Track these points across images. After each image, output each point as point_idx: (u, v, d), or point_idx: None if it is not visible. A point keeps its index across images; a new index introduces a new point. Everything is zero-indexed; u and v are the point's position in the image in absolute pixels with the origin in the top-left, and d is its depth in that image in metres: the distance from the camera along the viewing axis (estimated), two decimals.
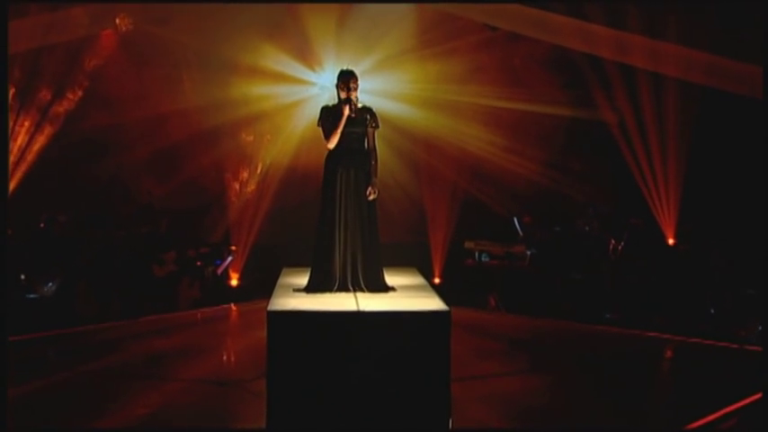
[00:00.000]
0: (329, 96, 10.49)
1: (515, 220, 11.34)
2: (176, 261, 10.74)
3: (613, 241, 10.66)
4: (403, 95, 11.30)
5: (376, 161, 6.85)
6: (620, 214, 10.90)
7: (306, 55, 11.26)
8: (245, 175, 11.46)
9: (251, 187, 11.43)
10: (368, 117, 6.89)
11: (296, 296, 6.61)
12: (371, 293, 6.62)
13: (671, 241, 10.83)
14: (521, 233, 11.29)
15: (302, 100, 11.47)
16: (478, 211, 11.51)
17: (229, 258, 11.16)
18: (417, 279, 7.42)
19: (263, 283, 10.55)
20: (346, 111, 6.72)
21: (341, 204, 6.76)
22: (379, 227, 6.80)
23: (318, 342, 5.88)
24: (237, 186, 11.44)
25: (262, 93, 11.28)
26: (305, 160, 11.09)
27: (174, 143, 11.14)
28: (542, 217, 11.33)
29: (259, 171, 11.45)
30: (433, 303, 6.28)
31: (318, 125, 6.90)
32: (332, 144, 6.77)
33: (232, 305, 10.39)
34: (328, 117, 6.85)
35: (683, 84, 10.49)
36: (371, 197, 6.80)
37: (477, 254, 11.12)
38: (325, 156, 6.89)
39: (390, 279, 6.91)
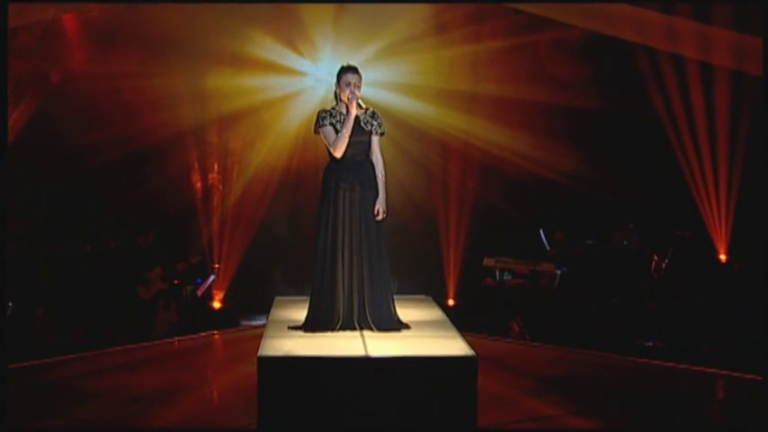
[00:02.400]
0: (325, 90, 10.54)
1: (541, 232, 11.20)
2: (163, 278, 10.64)
3: (656, 258, 10.50)
4: (411, 88, 11.17)
5: (383, 174, 6.62)
6: (665, 226, 10.76)
7: (299, 41, 11.15)
8: (231, 178, 11.38)
9: (237, 193, 11.32)
10: (373, 123, 6.64)
11: (292, 336, 6.37)
12: (381, 332, 6.39)
13: (723, 258, 10.66)
14: (548, 247, 11.12)
15: (295, 93, 11.36)
16: (499, 222, 11.39)
17: (211, 277, 10.99)
18: (434, 312, 7.21)
19: (249, 304, 10.90)
20: (354, 109, 6.47)
21: (344, 227, 6.53)
22: (388, 252, 6.59)
23: (319, 393, 5.65)
24: (221, 193, 11.41)
25: (249, 85, 11.16)
26: (299, 161, 11.16)
27: (149, 144, 11.02)
28: (573, 228, 11.20)
29: (247, 174, 11.34)
30: (455, 346, 6.02)
31: (316, 131, 6.66)
32: (340, 152, 6.51)
33: (215, 332, 10.09)
34: (329, 121, 6.59)
35: (736, 74, 10.32)
36: (380, 217, 6.47)
37: (497, 272, 10.99)
38: (324, 167, 6.67)
39: (401, 312, 6.66)
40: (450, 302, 10.97)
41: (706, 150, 10.74)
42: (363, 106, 6.58)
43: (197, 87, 10.95)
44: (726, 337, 9.42)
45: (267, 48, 11.00)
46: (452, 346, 6.04)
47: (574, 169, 11.16)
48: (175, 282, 10.82)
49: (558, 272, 10.68)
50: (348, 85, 6.56)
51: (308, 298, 6.66)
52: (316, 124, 6.65)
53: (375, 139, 6.63)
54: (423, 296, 7.95)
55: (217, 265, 11.12)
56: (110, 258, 10.72)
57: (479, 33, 11.10)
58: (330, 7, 10.85)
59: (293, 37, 11.10)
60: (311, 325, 6.50)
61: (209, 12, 10.62)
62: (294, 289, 11.10)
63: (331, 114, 6.64)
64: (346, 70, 6.62)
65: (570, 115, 11.01)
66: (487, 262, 11.04)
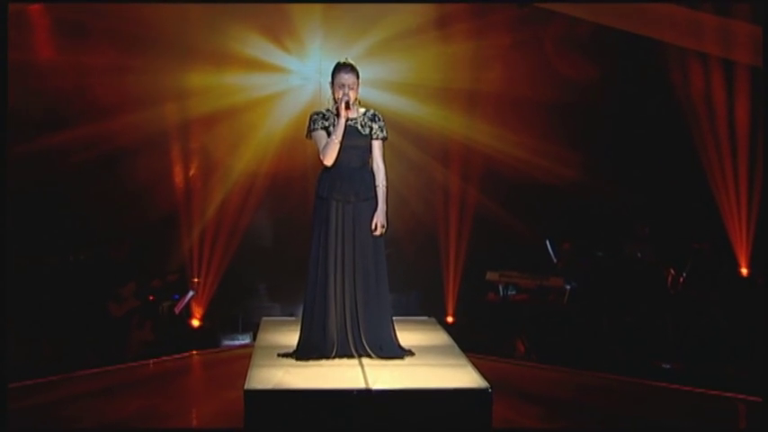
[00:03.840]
0: (313, 89, 10.76)
1: (548, 243, 11.05)
2: (137, 294, 10.51)
3: (673, 271, 10.37)
4: (406, 87, 11.05)
5: (384, 184, 6.40)
6: (681, 236, 10.67)
7: (285, 37, 11.03)
8: (211, 185, 11.19)
9: (218, 201, 11.13)
10: (372, 127, 6.40)
11: (282, 364, 6.17)
12: (382, 360, 6.18)
13: (744, 271, 10.55)
14: (555, 259, 11.01)
15: (280, 92, 11.22)
16: (503, 232, 11.25)
17: (190, 293, 10.77)
18: (439, 335, 7.05)
19: (231, 322, 10.78)
20: (344, 112, 6.24)
21: (337, 243, 6.31)
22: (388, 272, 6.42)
23: (313, 431, 5.47)
24: (201, 201, 11.18)
25: (230, 84, 11.02)
26: (285, 166, 11.08)
27: (122, 146, 10.81)
28: (582, 239, 11.10)
29: (229, 180, 11.17)
30: (466, 376, 5.86)
31: (308, 136, 6.45)
32: (329, 159, 6.28)
33: (194, 352, 9.85)
34: (321, 125, 6.38)
35: (756, 71, 10.22)
36: (378, 232, 6.21)
37: (501, 287, 10.83)
38: (318, 176, 6.46)
39: (402, 336, 6.47)
40: (450, 320, 10.85)
41: (727, 153, 10.70)
42: (352, 107, 6.34)
43: (175, 85, 10.81)
44: (750, 358, 9.21)
45: (251, 44, 10.91)
46: (463, 376, 5.86)
47: (583, 175, 11.09)
48: (151, 298, 10.66)
49: (568, 287, 10.55)
50: (342, 86, 6.34)
51: (300, 320, 6.46)
52: (307, 128, 6.44)
53: (375, 145, 6.41)
54: (425, 318, 7.84)
55: (196, 280, 10.95)
56: (78, 272, 10.56)
57: (481, 28, 11.01)
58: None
59: (278, 32, 10.99)
60: (303, 352, 6.28)
61: (188, 4, 10.52)
62: (280, 305, 11.22)
63: (324, 117, 6.43)
64: (340, 68, 6.40)
65: (579, 117, 10.95)
66: (491, 276, 10.86)
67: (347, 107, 6.22)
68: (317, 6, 10.77)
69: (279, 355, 6.31)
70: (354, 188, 6.30)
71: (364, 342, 6.23)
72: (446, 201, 11.38)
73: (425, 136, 11.08)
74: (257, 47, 10.90)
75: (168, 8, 10.45)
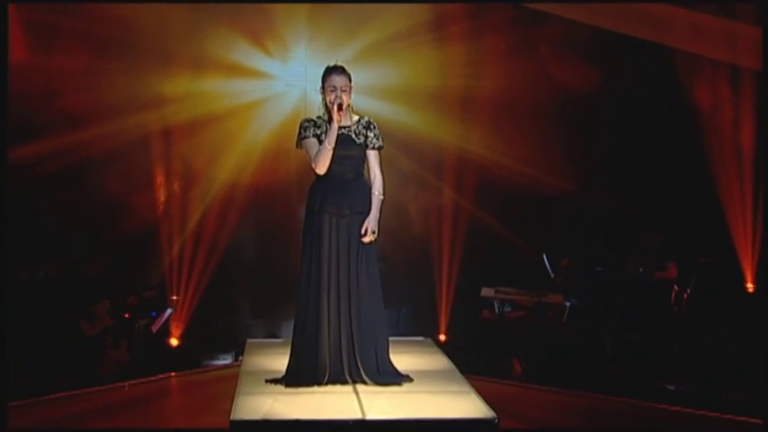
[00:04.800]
0: (298, 95, 10.73)
1: (545, 258, 10.85)
2: (112, 312, 10.33)
3: (677, 288, 10.23)
4: (398, 92, 10.93)
5: (381, 193, 6.28)
6: (686, 250, 10.56)
7: (268, 39, 10.90)
8: (191, 197, 11.03)
9: (198, 214, 10.98)
10: (367, 134, 6.29)
11: (270, 391, 6.06)
12: (378, 387, 6.05)
13: (750, 287, 10.47)
14: (552, 275, 10.84)
15: (263, 99, 11.03)
16: (499, 247, 11.15)
17: (168, 310, 10.56)
18: (437, 359, 6.95)
19: (212, 341, 10.58)
20: (336, 116, 6.11)
21: (330, 260, 6.18)
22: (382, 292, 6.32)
23: None
24: (180, 214, 11.01)
25: (210, 90, 10.82)
26: (268, 177, 10.90)
27: (94, 156, 10.64)
28: (580, 253, 10.96)
29: (209, 192, 11.02)
30: (470, 405, 5.80)
31: (298, 145, 6.34)
32: (322, 168, 6.15)
33: (172, 374, 9.71)
34: (313, 132, 6.28)
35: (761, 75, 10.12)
36: (367, 239, 6.10)
37: (497, 304, 10.68)
38: (308, 188, 6.35)
39: (398, 359, 6.35)
40: (442, 338, 10.66)
41: (731, 158, 10.67)
42: (345, 113, 6.22)
43: (151, 92, 10.63)
44: (760, 380, 8.94)
45: (232, 47, 10.75)
46: (466, 404, 5.77)
47: (582, 186, 11.04)
48: (126, 316, 10.46)
49: (567, 304, 10.42)
50: (333, 89, 6.20)
51: (289, 343, 6.33)
52: (298, 136, 6.30)
53: (371, 155, 6.29)
54: (421, 338, 7.75)
55: (174, 297, 10.77)
56: (49, 289, 10.33)
57: (475, 31, 10.92)
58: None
59: (261, 35, 10.83)
60: (294, 378, 6.12)
61: (166, 5, 10.40)
62: (263, 322, 11.07)
63: (315, 124, 6.31)
64: (331, 71, 6.30)
65: (577, 125, 10.91)
66: (486, 292, 10.72)
67: (339, 109, 6.00)
68: (303, 7, 10.66)
69: (267, 381, 6.15)
70: (348, 200, 6.14)
71: (360, 367, 6.07)
72: (439, 213, 11.31)
73: (416, 144, 10.98)
74: (238, 51, 10.79)
75: (144, 9, 10.32)
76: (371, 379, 6.01)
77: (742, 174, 10.55)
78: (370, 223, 6.14)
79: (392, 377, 6.09)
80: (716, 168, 10.60)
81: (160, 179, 11.03)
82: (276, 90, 10.96)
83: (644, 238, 10.62)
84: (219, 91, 10.87)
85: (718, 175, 10.59)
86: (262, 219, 11.04)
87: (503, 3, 10.69)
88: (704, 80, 10.51)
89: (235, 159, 10.98)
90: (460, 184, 11.20)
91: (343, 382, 5.99)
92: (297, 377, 6.05)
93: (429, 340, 7.46)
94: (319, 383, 5.97)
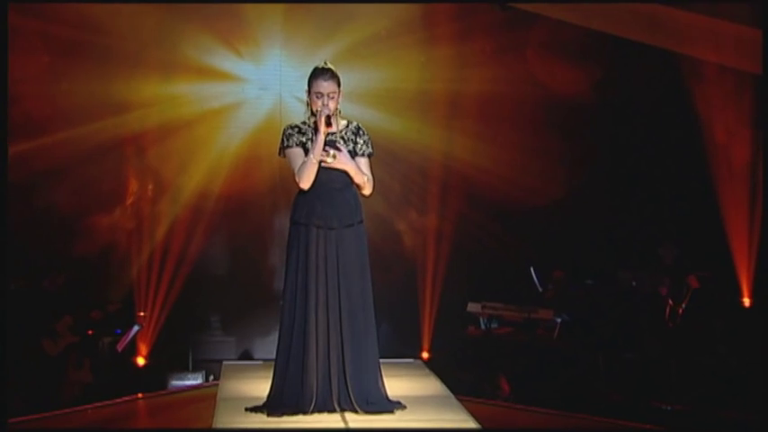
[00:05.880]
0: (273, 100, 10.67)
1: (533, 271, 10.84)
2: (74, 329, 10.20)
3: (671, 302, 10.11)
4: (378, 97, 10.87)
5: (368, 180, 5.95)
6: (681, 263, 10.49)
7: (240, 40, 10.88)
8: (158, 207, 10.93)
9: (165, 225, 10.87)
10: (356, 141, 5.96)
11: (251, 420, 5.71)
12: (369, 415, 5.72)
13: (746, 301, 10.35)
14: (540, 288, 10.83)
15: (235, 104, 11.02)
16: (485, 259, 11.10)
17: (135, 328, 10.42)
18: (430, 383, 6.71)
19: (181, 360, 10.55)
20: (323, 127, 5.74)
21: (317, 277, 5.80)
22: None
23: None
24: (147, 225, 10.92)
25: (178, 93, 10.86)
26: (242, 186, 10.81)
27: (57, 164, 10.55)
28: (572, 266, 10.95)
29: (177, 202, 10.91)
30: None
31: (281, 154, 5.95)
32: (306, 182, 5.79)
33: (139, 395, 9.42)
34: (297, 141, 5.89)
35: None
36: (331, 152, 5.79)
37: (483, 320, 10.60)
38: (293, 199, 5.98)
39: (388, 383, 6.03)
40: (425, 356, 10.58)
41: (725, 174, 10.61)
42: (333, 121, 5.83)
43: (116, 96, 10.61)
44: (760, 400, 8.75)
45: (202, 49, 10.73)
46: None
47: (571, 195, 11.03)
48: (90, 332, 10.36)
49: (558, 320, 10.34)
50: (320, 96, 5.84)
51: (270, 365, 6.02)
52: (281, 144, 5.93)
53: (362, 162, 5.93)
54: (410, 360, 7.52)
55: (141, 313, 10.65)
56: (8, 305, 9.76)
57: (459, 33, 10.92)
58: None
59: (233, 36, 10.84)
60: (276, 405, 5.75)
61: (132, 5, 10.38)
62: (236, 340, 10.97)
63: (300, 131, 5.93)
64: (318, 74, 5.89)
65: (570, 130, 10.92)
66: (472, 307, 10.64)
67: (328, 123, 5.69)
68: (277, 7, 10.64)
69: (247, 409, 5.81)
70: (337, 212, 5.80)
71: (350, 393, 5.74)
72: (422, 223, 11.29)
73: (397, 151, 10.89)
74: (209, 52, 10.75)
75: (110, 9, 10.31)
76: (362, 407, 5.68)
77: (736, 181, 10.57)
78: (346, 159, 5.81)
79: (384, 405, 5.78)
80: (713, 172, 10.62)
81: (126, 188, 11.00)
82: (249, 94, 10.92)
83: (660, 248, 10.62)
84: (189, 95, 10.81)
85: (716, 181, 10.61)
86: (234, 230, 10.97)
87: (487, 2, 10.70)
88: (701, 84, 10.53)
89: (205, 167, 10.91)
90: (445, 193, 11.20)
91: (331, 411, 5.67)
92: (280, 405, 5.71)
93: (419, 362, 7.25)
94: (305, 412, 5.64)
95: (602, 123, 10.93)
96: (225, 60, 10.78)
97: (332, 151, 5.76)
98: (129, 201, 11.03)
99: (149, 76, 10.62)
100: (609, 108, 10.87)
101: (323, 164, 5.74)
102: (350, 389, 5.71)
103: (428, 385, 6.53)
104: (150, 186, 11.05)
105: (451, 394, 6.30)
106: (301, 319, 5.74)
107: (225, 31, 10.76)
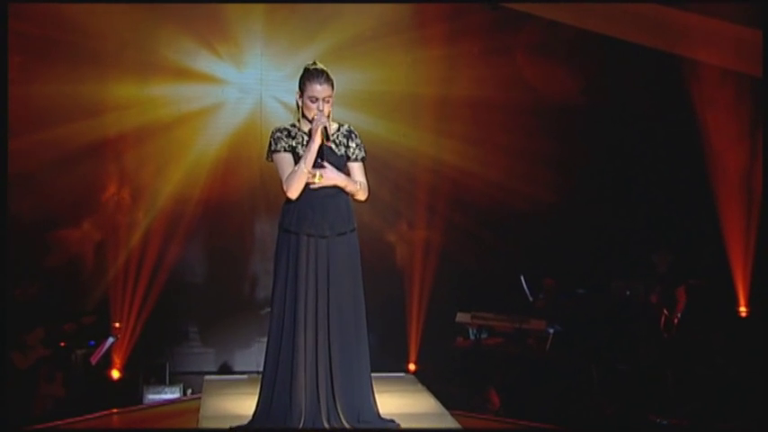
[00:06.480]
0: (253, 102, 10.57)
1: (522, 279, 10.66)
2: (46, 341, 10.01)
3: (666, 312, 10.04)
4: (363, 100, 10.71)
5: (361, 188, 5.81)
6: (675, 271, 10.39)
7: (219, 41, 10.79)
8: (134, 213, 10.81)
9: (142, 232, 10.74)
10: (348, 145, 5.79)
11: None
12: None
13: (743, 310, 10.33)
14: (530, 297, 10.68)
15: (214, 106, 10.88)
16: (476, 267, 11.05)
17: (110, 340, 10.27)
18: (423, 399, 6.60)
19: (158, 373, 10.32)
20: (318, 137, 5.55)
21: (308, 289, 5.61)
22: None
23: None
24: (123, 231, 10.78)
25: (156, 95, 10.78)
26: (221, 190, 10.74)
27: (28, 169, 10.40)
28: (564, 274, 10.84)
29: (154, 208, 10.80)
30: None
31: (268, 158, 5.75)
32: (294, 192, 5.59)
33: (114, 410, 9.13)
34: (286, 145, 5.67)
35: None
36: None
37: (472, 330, 10.46)
38: (282, 206, 5.77)
39: (379, 399, 5.88)
40: (412, 367, 10.51)
41: (720, 179, 10.58)
42: (334, 123, 5.72)
43: (91, 98, 10.50)
44: (759, 413, 8.77)
45: (180, 50, 10.65)
46: None
47: (564, 200, 10.98)
48: (62, 344, 10.17)
49: (551, 331, 10.22)
50: (314, 100, 5.65)
51: (254, 381, 6.07)
52: (268, 148, 5.71)
53: (355, 167, 5.77)
54: (402, 374, 7.46)
55: (117, 324, 10.52)
56: None
57: (447, 33, 10.87)
58: None
59: (212, 36, 10.73)
60: (263, 422, 5.60)
61: (107, 4, 10.27)
62: (215, 352, 10.85)
63: (289, 134, 5.73)
64: (312, 77, 5.69)
65: (563, 133, 10.87)
66: (461, 317, 10.51)
67: (327, 138, 5.53)
68: (258, 7, 10.56)
69: (231, 429, 5.64)
70: (329, 220, 5.61)
71: (339, 411, 5.57)
72: (409, 229, 11.24)
73: (383, 156, 10.73)
74: (188, 53, 10.66)
75: (84, 7, 10.16)
76: (353, 424, 5.53)
77: (733, 187, 10.57)
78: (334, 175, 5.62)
79: (375, 422, 5.63)
80: (710, 178, 10.62)
81: (101, 193, 10.87)
82: (229, 96, 10.83)
83: (654, 255, 10.53)
84: (167, 97, 10.70)
85: (713, 187, 10.60)
86: (213, 236, 10.87)
87: (477, 2, 10.67)
88: (698, 87, 10.53)
89: (183, 171, 10.82)
90: (433, 199, 11.16)
91: (321, 428, 5.51)
92: (267, 421, 5.56)
93: (411, 377, 7.17)
94: (293, 429, 5.47)
95: (595, 126, 10.87)
96: (204, 61, 10.70)
97: (317, 172, 5.54)
98: (105, 207, 10.90)
99: (125, 78, 10.53)
100: (602, 111, 10.83)
101: (311, 185, 5.54)
102: (338, 405, 5.56)
103: (421, 401, 6.40)
104: (126, 191, 10.93)
105: (446, 411, 6.18)
106: (290, 333, 5.56)
107: (204, 31, 10.68)
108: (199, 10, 10.54)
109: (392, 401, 6.11)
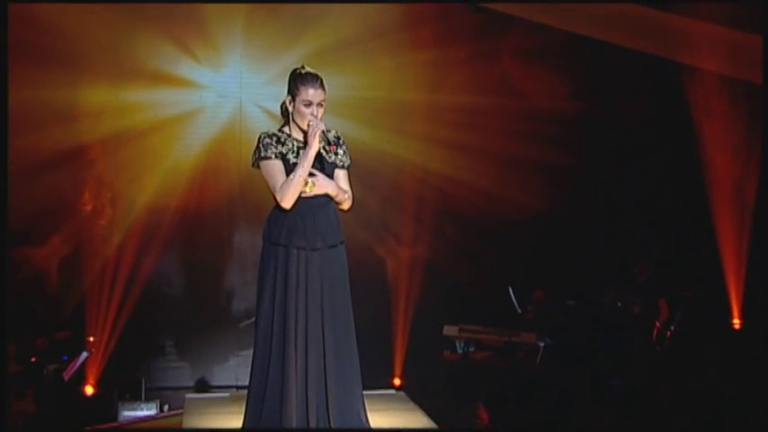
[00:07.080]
0: (233, 108, 10.46)
1: (511, 290, 10.61)
2: (17, 357, 9.86)
3: (658, 324, 10.02)
4: (346, 106, 10.56)
5: (348, 198, 5.71)
6: (668, 283, 10.39)
7: (198, 44, 10.66)
8: (108, 223, 10.64)
9: (116, 243, 10.58)
10: (336, 151, 5.67)
11: None
12: None
13: (736, 322, 10.31)
14: (518, 309, 10.63)
15: (192, 112, 10.77)
16: (464, 278, 10.92)
17: (83, 354, 10.05)
18: (416, 417, 6.54)
19: (133, 388, 10.13)
20: (316, 143, 5.41)
21: (298, 302, 5.44)
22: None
23: None
24: (96, 242, 10.61)
25: (131, 101, 10.57)
26: (197, 201, 10.61)
27: None
28: (554, 285, 10.80)
29: (129, 217, 10.65)
30: None
31: (255, 165, 5.55)
32: (289, 201, 5.41)
33: (87, 428, 9.17)
34: (276, 152, 5.49)
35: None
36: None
37: (460, 344, 10.37)
38: (268, 216, 5.61)
39: (370, 417, 5.81)
40: (397, 382, 10.39)
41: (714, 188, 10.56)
42: (329, 139, 5.56)
43: (63, 103, 10.34)
44: (754, 427, 8.71)
45: (155, 53, 10.52)
46: None
47: (554, 209, 10.96)
48: (33, 360, 9.96)
49: (541, 344, 10.16)
50: (308, 105, 5.51)
51: (238, 399, 5.99)
52: (256, 155, 5.51)
53: (340, 175, 5.64)
54: (393, 391, 7.43)
55: (91, 339, 10.34)
56: None
57: (433, 37, 10.79)
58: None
59: (190, 39, 10.60)
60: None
61: (80, 5, 10.07)
62: (191, 366, 10.73)
63: (279, 140, 5.56)
64: (306, 81, 5.59)
65: (552, 141, 10.82)
66: (449, 330, 10.41)
67: (328, 143, 5.46)
68: (238, 8, 10.43)
69: None
70: (320, 231, 5.46)
71: (330, 420, 5.48)
72: (394, 239, 11.15)
73: (368, 163, 10.64)
74: (164, 57, 10.53)
75: (56, 7, 9.98)
76: None
77: (727, 198, 10.56)
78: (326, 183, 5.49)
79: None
80: (704, 188, 10.58)
81: (74, 202, 10.70)
82: (207, 101, 10.71)
83: (636, 266, 10.49)
84: (142, 102, 10.56)
85: (707, 198, 10.57)
86: (190, 246, 10.71)
87: (461, 2, 10.61)
88: (693, 94, 10.49)
89: (159, 179, 10.70)
90: (419, 207, 11.08)
91: None
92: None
93: (402, 394, 7.04)
94: None
95: (586, 133, 10.86)
96: (181, 65, 10.59)
97: (309, 180, 5.39)
98: (77, 217, 10.72)
99: (98, 82, 10.37)
100: (593, 118, 10.80)
101: (302, 194, 5.36)
102: (332, 420, 5.46)
103: (413, 420, 6.32)
104: (100, 201, 10.75)
105: (435, 426, 6.15)
106: (279, 348, 5.41)
107: (181, 34, 10.55)
108: (176, 12, 10.40)
109: (383, 420, 6.08)
